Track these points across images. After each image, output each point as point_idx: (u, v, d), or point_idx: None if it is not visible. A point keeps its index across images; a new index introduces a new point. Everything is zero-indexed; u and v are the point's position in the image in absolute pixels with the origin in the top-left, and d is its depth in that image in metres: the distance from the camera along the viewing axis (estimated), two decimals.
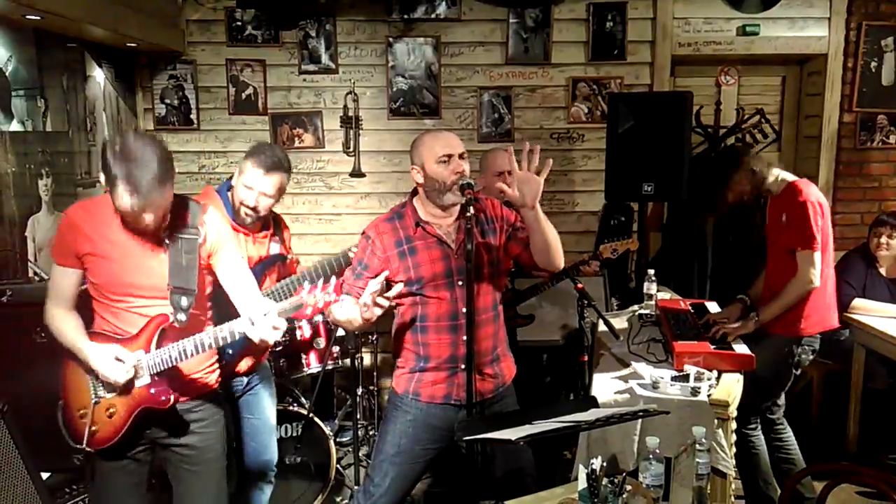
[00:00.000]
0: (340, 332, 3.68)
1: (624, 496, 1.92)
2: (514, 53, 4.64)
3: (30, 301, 2.67)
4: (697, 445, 2.02)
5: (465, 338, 2.37)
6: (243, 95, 4.67)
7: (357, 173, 4.70)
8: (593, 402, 2.19)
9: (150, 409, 2.22)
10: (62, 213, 2.26)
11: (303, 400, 3.66)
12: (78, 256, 2.20)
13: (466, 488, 2.45)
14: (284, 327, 2.14)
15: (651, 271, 3.46)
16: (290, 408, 3.44)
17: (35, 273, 3.29)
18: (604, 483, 1.91)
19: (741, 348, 2.85)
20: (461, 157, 2.41)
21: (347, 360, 3.75)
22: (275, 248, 2.86)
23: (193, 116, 4.68)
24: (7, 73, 3.28)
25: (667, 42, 4.62)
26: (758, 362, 2.74)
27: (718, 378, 2.63)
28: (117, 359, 2.15)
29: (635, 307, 3.55)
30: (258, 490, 2.97)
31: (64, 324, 2.22)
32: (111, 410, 2.22)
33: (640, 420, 2.45)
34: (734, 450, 2.57)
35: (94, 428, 2.22)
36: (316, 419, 3.50)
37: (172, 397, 2.23)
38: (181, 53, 4.60)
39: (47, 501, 2.44)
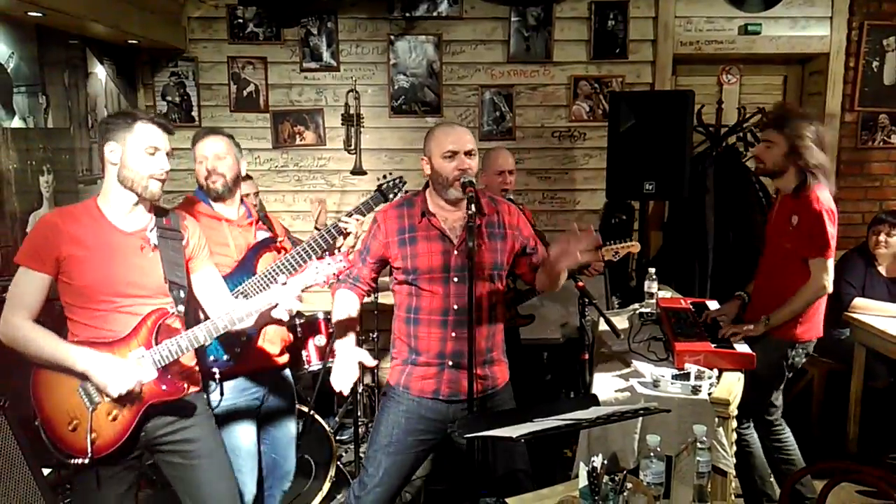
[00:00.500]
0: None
1: (625, 494, 1.92)
2: (515, 52, 4.64)
3: None
4: (698, 444, 2.02)
5: (453, 334, 2.41)
6: (245, 93, 4.67)
7: (358, 171, 4.69)
8: (594, 401, 2.19)
9: (157, 403, 2.19)
10: (41, 218, 2.21)
11: (304, 397, 3.66)
12: (57, 260, 2.11)
13: (466, 485, 2.45)
14: (300, 300, 2.21)
15: (652, 270, 3.46)
16: None
17: None
18: (605, 481, 1.91)
19: (742, 347, 2.85)
20: (468, 154, 2.40)
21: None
22: (261, 234, 2.86)
23: (195, 113, 4.68)
24: (9, 70, 3.28)
25: (668, 41, 4.62)
26: (755, 362, 2.74)
27: (719, 377, 2.63)
28: (121, 367, 2.08)
29: (636, 305, 3.55)
30: (270, 497, 2.97)
31: (37, 334, 2.09)
32: (114, 413, 2.15)
33: (640, 418, 2.45)
34: (734, 448, 2.58)
35: (94, 435, 2.12)
36: (317, 416, 3.50)
37: (185, 385, 2.22)
38: (183, 50, 4.61)
39: (49, 498, 2.44)
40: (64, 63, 3.76)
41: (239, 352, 2.65)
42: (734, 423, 2.56)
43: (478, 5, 4.61)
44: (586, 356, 3.12)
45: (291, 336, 2.99)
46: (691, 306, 3.30)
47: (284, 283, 2.22)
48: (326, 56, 4.64)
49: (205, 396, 2.44)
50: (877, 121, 4.70)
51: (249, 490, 2.74)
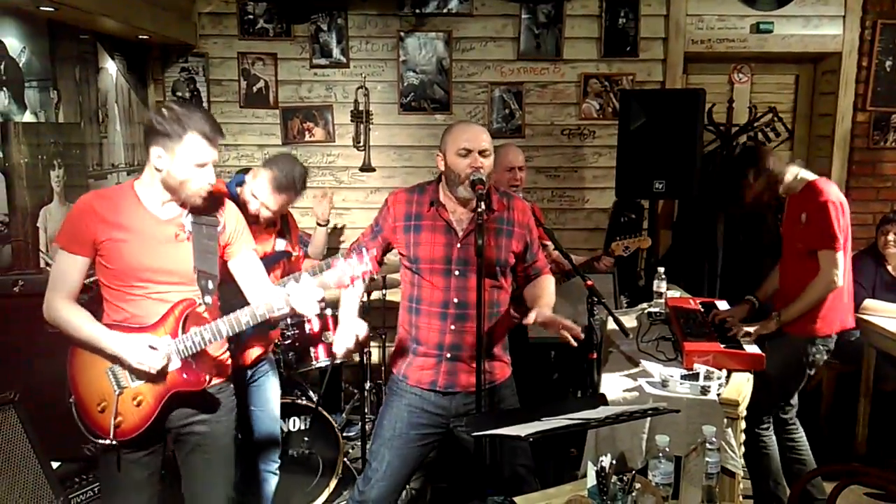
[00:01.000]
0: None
1: (633, 494, 1.92)
2: (525, 49, 4.63)
3: (41, 291, 2.66)
4: (707, 444, 2.01)
5: (452, 327, 2.42)
6: (254, 89, 4.68)
7: (367, 168, 4.70)
8: (602, 400, 2.18)
9: (181, 393, 2.20)
10: (79, 200, 2.21)
11: (311, 393, 3.67)
12: (93, 243, 2.15)
13: (471, 483, 2.45)
14: (323, 297, 2.17)
15: (661, 269, 3.45)
16: (299, 401, 3.45)
17: (47, 263, 3.31)
18: (613, 480, 1.91)
19: (751, 348, 2.84)
20: (482, 153, 2.39)
21: (356, 355, 3.76)
22: (280, 245, 2.88)
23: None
24: (20, 65, 3.29)
25: (680, 39, 4.60)
26: (772, 362, 2.73)
27: (728, 377, 2.62)
28: (151, 347, 2.12)
29: (645, 305, 3.53)
30: (263, 481, 2.99)
31: (74, 315, 2.15)
32: (139, 399, 2.18)
33: (648, 418, 2.44)
34: (743, 449, 2.56)
35: (119, 419, 2.16)
36: (324, 412, 3.51)
37: (206, 377, 2.23)
38: (193, 46, 4.61)
39: (58, 491, 2.47)
40: (75, 58, 3.77)
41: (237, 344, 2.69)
42: (743, 424, 2.54)
43: (488, 2, 4.60)
44: (595, 355, 3.11)
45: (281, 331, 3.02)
46: (700, 306, 3.29)
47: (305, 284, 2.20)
48: (336, 52, 4.64)
49: (231, 387, 2.44)
50: (889, 121, 4.67)
51: None
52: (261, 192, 2.73)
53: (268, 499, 3.04)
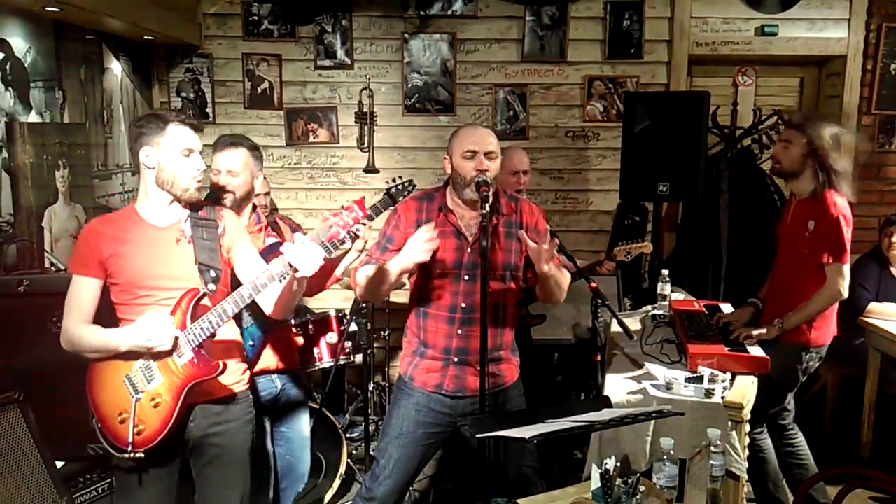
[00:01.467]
0: (353, 328, 3.68)
1: (637, 497, 1.92)
2: (529, 51, 4.63)
3: (46, 291, 2.69)
4: (712, 447, 2.01)
5: (459, 331, 2.42)
6: (259, 90, 4.68)
7: (371, 169, 4.70)
8: (606, 402, 2.18)
9: (198, 385, 2.19)
10: (82, 228, 2.28)
11: (314, 394, 3.67)
12: (101, 261, 2.19)
13: (476, 484, 2.45)
14: (323, 255, 2.11)
15: (665, 272, 3.44)
16: None
17: (52, 263, 3.31)
18: (617, 483, 1.91)
19: (756, 351, 2.83)
20: (488, 155, 2.39)
21: (359, 356, 3.76)
22: (270, 241, 2.86)
23: (209, 110, 4.70)
24: (26, 65, 3.30)
25: (684, 41, 4.60)
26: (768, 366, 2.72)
27: (732, 380, 2.62)
28: (156, 322, 2.12)
29: (648, 307, 3.53)
30: (285, 498, 2.98)
31: (85, 330, 2.18)
32: (156, 401, 2.17)
33: (652, 421, 2.44)
34: (747, 452, 2.56)
35: (140, 427, 2.16)
36: (327, 413, 3.51)
37: (221, 363, 2.21)
38: (198, 47, 4.62)
39: (62, 490, 2.47)
40: (80, 58, 3.78)
41: (253, 345, 2.66)
42: (747, 428, 2.54)
43: (492, 4, 4.60)
44: (598, 358, 3.10)
45: (301, 339, 2.99)
46: (704, 309, 3.29)
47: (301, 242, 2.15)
48: (341, 54, 4.64)
49: (250, 398, 2.43)
50: (894, 124, 4.66)
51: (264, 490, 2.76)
52: (215, 163, 2.70)
53: None
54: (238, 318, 2.40)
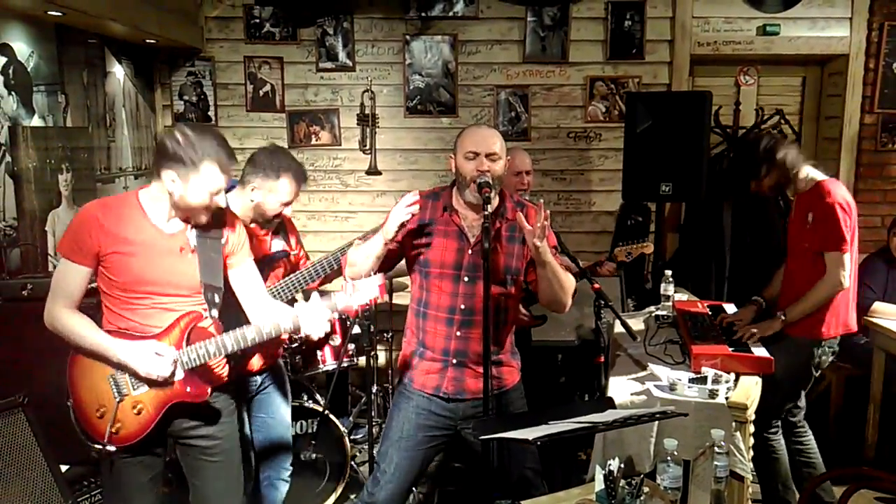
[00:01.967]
0: (356, 330, 3.68)
1: (642, 498, 1.91)
2: (531, 52, 4.63)
3: None
4: (716, 448, 2.00)
5: (458, 333, 2.41)
6: (261, 92, 4.69)
7: (373, 171, 4.71)
8: (610, 403, 2.17)
9: (182, 403, 2.21)
10: (83, 209, 2.22)
11: (318, 397, 3.66)
12: (97, 255, 2.14)
13: (479, 486, 2.44)
14: (332, 320, 2.19)
15: (668, 272, 3.43)
16: (306, 405, 3.45)
17: (55, 267, 3.31)
18: (621, 484, 1.90)
19: (760, 351, 2.82)
20: (490, 157, 2.38)
21: (362, 358, 3.76)
22: (277, 245, 2.87)
23: (211, 113, 4.71)
24: (29, 69, 3.31)
25: (686, 41, 4.59)
26: (777, 364, 2.71)
27: (736, 381, 2.61)
28: (157, 354, 2.12)
29: (652, 308, 3.52)
30: (273, 488, 2.98)
31: (77, 323, 2.15)
32: (139, 407, 2.18)
33: (656, 422, 2.43)
34: (752, 453, 2.55)
35: (117, 426, 2.17)
36: (331, 416, 3.50)
37: (209, 390, 2.23)
38: (200, 50, 4.63)
39: (66, 493, 2.47)
40: (83, 62, 3.79)
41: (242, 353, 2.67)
42: (751, 428, 2.53)
43: (494, 5, 4.60)
44: (602, 359, 3.10)
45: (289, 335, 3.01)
46: (708, 309, 3.28)
47: (310, 300, 2.21)
48: (342, 56, 4.65)
49: (232, 389, 2.45)
50: None
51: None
52: (290, 195, 2.71)
53: None
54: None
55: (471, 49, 4.65)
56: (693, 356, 2.70)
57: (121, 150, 4.20)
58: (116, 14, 3.42)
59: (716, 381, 2.51)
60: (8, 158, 3.15)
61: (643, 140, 3.93)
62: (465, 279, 2.41)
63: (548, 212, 2.22)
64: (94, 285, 2.24)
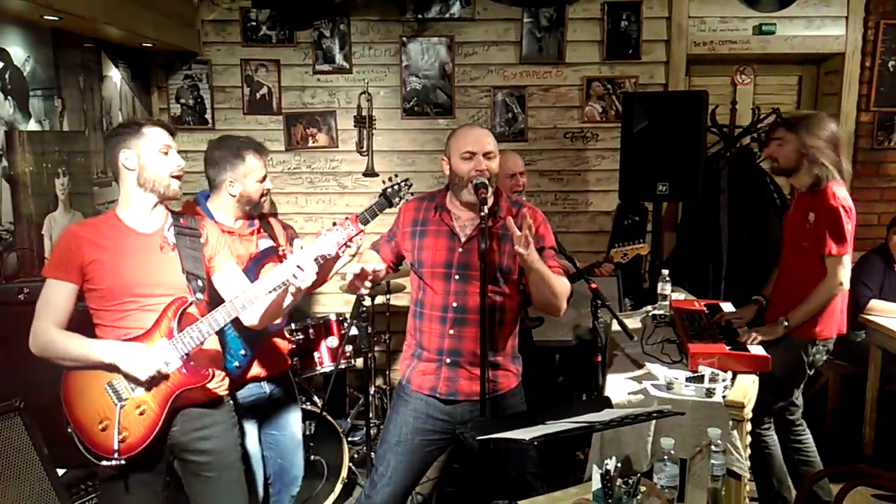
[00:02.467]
0: (353, 332, 3.68)
1: (638, 497, 1.91)
2: (528, 53, 4.63)
3: None
4: (713, 447, 2.01)
5: (451, 331, 2.42)
6: (258, 95, 4.69)
7: (370, 173, 4.71)
8: (607, 403, 2.18)
9: (185, 393, 2.20)
10: (63, 231, 2.27)
11: (316, 399, 3.67)
12: (81, 267, 2.16)
13: (477, 487, 2.44)
14: (315, 267, 2.16)
15: (665, 272, 3.44)
16: (303, 406, 3.44)
17: None
18: (618, 484, 1.90)
19: (757, 349, 2.83)
20: (486, 156, 2.39)
21: (360, 360, 3.76)
22: (264, 244, 2.84)
23: (208, 116, 4.71)
24: (25, 73, 3.31)
25: (682, 41, 4.60)
26: (773, 362, 2.72)
27: (733, 379, 2.61)
28: (145, 352, 2.12)
29: (649, 308, 3.52)
30: (279, 501, 2.97)
31: (60, 336, 2.15)
32: (142, 408, 2.17)
33: (653, 421, 2.43)
34: (749, 451, 2.55)
35: (124, 434, 2.14)
36: (329, 418, 3.51)
37: (211, 371, 2.23)
38: (196, 53, 4.64)
39: (63, 497, 2.47)
40: (79, 66, 3.80)
41: (249, 350, 2.65)
42: (748, 427, 2.53)
43: (490, 7, 4.60)
44: (599, 358, 3.10)
45: (288, 344, 2.97)
46: (705, 308, 3.28)
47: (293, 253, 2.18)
48: (339, 58, 4.65)
49: (230, 402, 2.44)
50: (893, 121, 4.65)
51: (253, 494, 2.74)
52: (261, 171, 2.69)
53: None
54: (221, 331, 2.38)
55: (467, 50, 4.65)
56: (690, 355, 2.70)
57: None
58: (113, 18, 3.42)
59: (713, 379, 2.51)
60: (4, 163, 3.15)
61: (640, 140, 3.93)
62: (457, 277, 2.42)
63: (531, 221, 2.20)
64: (82, 305, 2.24)
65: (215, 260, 2.38)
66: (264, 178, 2.72)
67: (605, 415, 1.99)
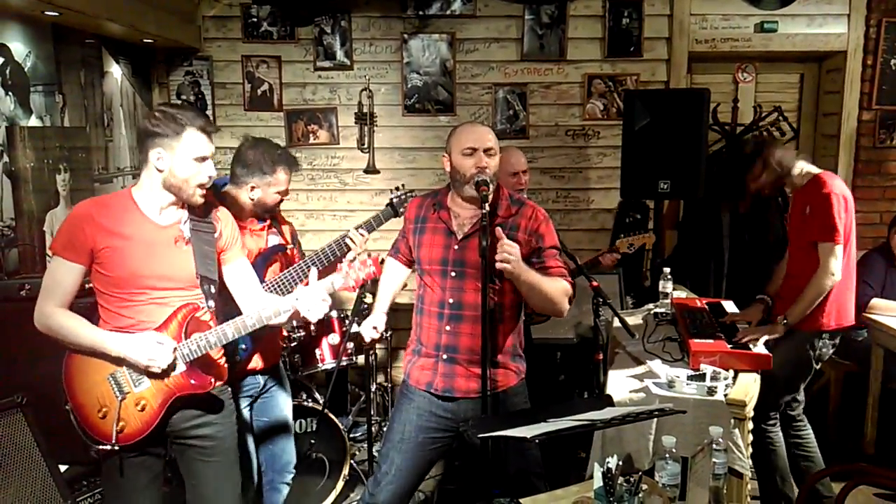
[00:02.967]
0: (355, 329, 3.68)
1: (640, 495, 1.91)
2: (529, 50, 4.63)
3: None
4: (714, 445, 2.01)
5: (447, 327, 2.44)
6: (259, 92, 4.69)
7: (371, 170, 4.70)
8: (609, 401, 2.18)
9: (185, 396, 2.21)
10: (76, 207, 2.22)
11: (317, 395, 3.67)
12: (91, 251, 2.14)
13: (479, 484, 2.44)
14: (330, 302, 2.21)
15: (667, 269, 3.44)
16: (305, 403, 3.45)
17: None
18: (619, 482, 1.90)
19: (758, 348, 2.83)
20: (487, 152, 2.40)
21: (361, 357, 3.76)
22: (273, 240, 2.87)
23: (209, 112, 4.70)
24: (26, 69, 3.30)
25: (684, 39, 4.59)
26: (778, 357, 2.72)
27: (735, 377, 2.61)
28: (158, 343, 2.12)
29: (650, 305, 3.53)
30: (275, 491, 2.98)
31: (70, 321, 2.14)
32: (142, 404, 2.18)
33: (655, 419, 2.43)
34: (750, 450, 2.56)
35: (122, 425, 2.16)
36: (330, 415, 3.51)
37: (211, 381, 2.23)
38: (197, 49, 4.63)
39: (65, 493, 2.48)
40: (80, 62, 3.79)
41: (245, 349, 2.67)
42: (750, 425, 2.53)
43: (491, 3, 4.59)
44: (600, 356, 3.10)
45: (287, 333, 3.02)
46: (706, 306, 3.29)
47: (308, 283, 2.23)
48: (340, 55, 4.64)
49: (229, 391, 2.45)
50: (895, 119, 4.65)
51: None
52: (285, 184, 2.75)
53: None
54: None
55: (469, 47, 4.64)
56: (692, 353, 2.70)
57: (119, 150, 4.19)
58: (114, 14, 3.41)
59: (714, 378, 2.51)
60: (5, 159, 3.14)
61: (641, 138, 3.92)
62: (453, 274, 2.44)
63: (507, 241, 2.22)
64: (89, 285, 2.23)
65: (227, 253, 2.37)
66: (286, 192, 2.76)
67: (607, 413, 1.99)
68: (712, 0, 4.58)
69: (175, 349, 2.15)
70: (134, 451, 2.23)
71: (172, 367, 2.16)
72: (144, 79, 4.59)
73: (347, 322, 3.64)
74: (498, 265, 2.20)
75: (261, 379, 2.85)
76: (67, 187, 3.57)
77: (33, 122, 3.35)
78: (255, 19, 4.62)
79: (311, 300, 2.18)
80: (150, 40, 4.17)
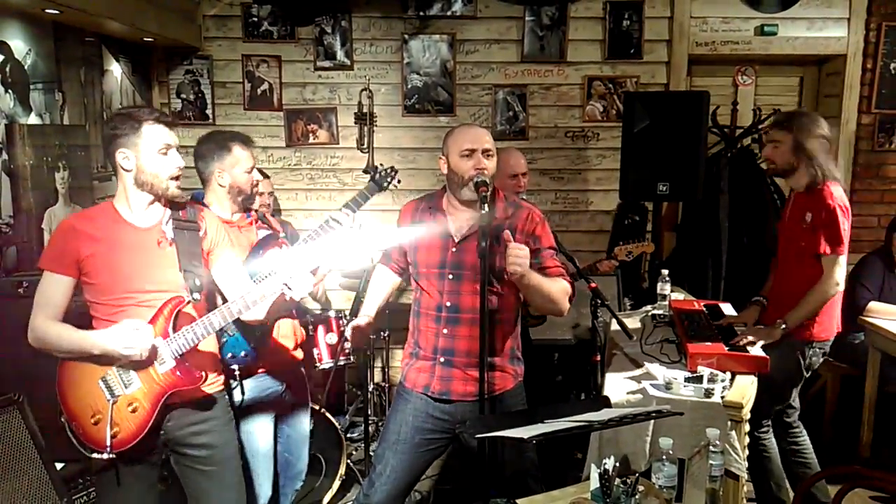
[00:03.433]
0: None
1: (636, 497, 1.91)
2: (529, 51, 4.63)
3: None
4: (711, 447, 2.01)
5: (444, 331, 2.43)
6: (258, 91, 4.69)
7: (371, 170, 4.69)
8: (606, 402, 2.18)
9: (177, 396, 2.20)
10: (60, 222, 2.25)
11: (315, 395, 3.66)
12: (78, 261, 2.15)
13: (475, 485, 2.44)
14: (313, 282, 2.19)
15: (665, 272, 3.44)
16: None
17: None
18: (616, 483, 1.91)
19: (755, 350, 2.83)
20: (486, 154, 2.40)
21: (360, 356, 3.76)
22: (263, 233, 2.86)
23: (209, 111, 4.70)
24: (26, 67, 3.30)
25: (684, 41, 4.59)
26: (769, 364, 2.72)
27: (732, 380, 2.61)
28: (135, 329, 2.10)
29: (648, 307, 3.53)
30: (282, 496, 2.98)
31: (56, 328, 2.15)
32: (133, 405, 2.17)
33: (652, 421, 2.43)
34: (747, 452, 2.56)
35: (115, 429, 2.15)
36: (327, 414, 3.51)
37: (201, 374, 2.22)
38: (197, 48, 4.63)
39: (62, 491, 2.47)
40: (80, 60, 3.79)
41: (255, 347, 2.65)
42: (747, 427, 2.53)
43: (492, 4, 4.60)
44: (598, 358, 3.10)
45: (303, 332, 2.99)
46: (704, 308, 3.28)
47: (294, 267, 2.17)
48: (340, 55, 4.64)
49: (227, 398, 2.44)
50: (894, 123, 4.65)
51: (265, 492, 2.75)
52: (249, 160, 2.71)
53: None
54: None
55: (469, 48, 4.65)
56: (689, 355, 2.70)
57: None
58: (114, 12, 3.41)
59: (711, 380, 2.51)
60: (5, 156, 3.14)
61: (641, 140, 3.93)
62: (450, 277, 2.43)
63: (517, 245, 2.21)
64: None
65: (214, 252, 2.36)
66: (252, 169, 2.74)
67: (604, 414, 1.99)
68: (713, 3, 4.59)
69: (151, 331, 2.12)
70: (129, 461, 2.21)
71: (154, 354, 2.14)
72: (144, 77, 4.59)
73: (345, 322, 3.64)
74: (509, 268, 2.19)
75: (279, 387, 2.79)
76: (66, 185, 3.57)
77: (33, 119, 3.35)
78: (255, 19, 4.62)
79: (296, 273, 2.10)
80: (150, 39, 4.17)
